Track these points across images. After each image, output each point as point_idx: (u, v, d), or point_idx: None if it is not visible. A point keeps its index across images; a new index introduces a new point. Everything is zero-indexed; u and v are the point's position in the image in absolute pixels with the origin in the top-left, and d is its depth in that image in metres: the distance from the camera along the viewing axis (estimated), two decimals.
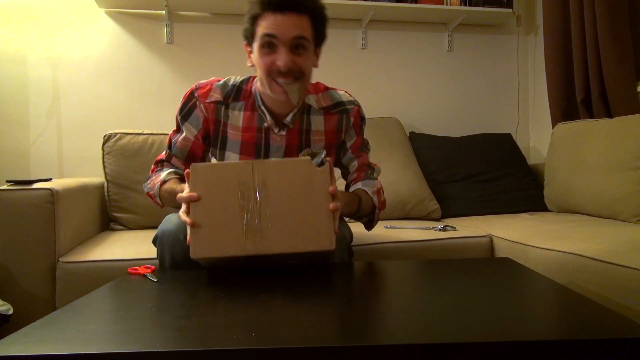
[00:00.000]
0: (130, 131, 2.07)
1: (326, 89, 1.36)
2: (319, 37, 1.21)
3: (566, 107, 2.34)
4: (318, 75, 2.56)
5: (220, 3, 2.30)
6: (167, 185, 1.26)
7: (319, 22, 1.19)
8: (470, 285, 0.95)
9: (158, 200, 1.31)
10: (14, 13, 2.22)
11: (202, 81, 1.31)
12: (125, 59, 2.32)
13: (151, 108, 2.34)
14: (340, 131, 1.34)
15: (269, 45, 1.14)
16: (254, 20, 1.16)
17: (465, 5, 2.49)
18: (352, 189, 1.36)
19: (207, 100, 1.27)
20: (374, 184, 1.36)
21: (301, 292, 0.89)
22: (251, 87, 1.29)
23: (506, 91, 2.74)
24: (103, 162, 2.01)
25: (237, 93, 1.28)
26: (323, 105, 1.32)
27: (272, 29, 1.12)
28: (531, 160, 2.70)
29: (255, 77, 1.29)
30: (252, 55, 1.22)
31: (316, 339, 0.66)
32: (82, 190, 1.76)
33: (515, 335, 0.67)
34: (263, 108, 1.26)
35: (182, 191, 1.05)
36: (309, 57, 1.19)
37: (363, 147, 1.42)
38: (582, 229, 1.60)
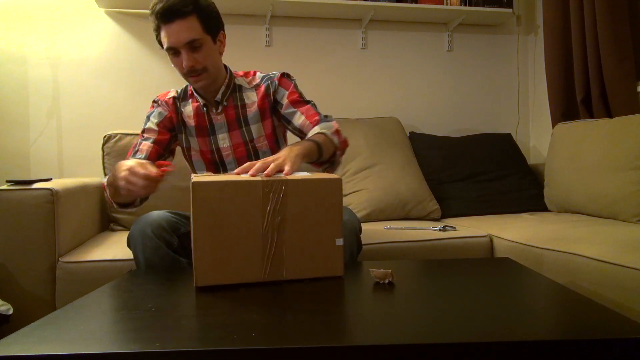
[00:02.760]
0: (131, 132, 2.06)
1: (255, 73, 1.52)
2: (213, 28, 1.35)
3: (566, 107, 2.34)
4: (319, 76, 2.57)
5: (220, 3, 2.28)
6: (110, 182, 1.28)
7: (208, 17, 1.32)
8: (470, 285, 0.95)
9: (106, 191, 1.32)
10: (14, 13, 2.22)
11: None
12: (125, 59, 2.32)
13: None
14: (269, 95, 1.46)
15: (173, 52, 1.31)
16: (157, 32, 1.32)
17: (465, 5, 2.49)
18: (309, 135, 1.34)
19: (166, 98, 1.49)
20: (331, 125, 1.36)
21: (301, 292, 0.89)
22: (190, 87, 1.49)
23: (506, 91, 2.74)
24: (103, 163, 2.01)
25: (185, 93, 1.50)
26: (253, 84, 1.49)
27: (168, 42, 1.29)
28: (531, 160, 2.70)
29: None
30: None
31: (316, 339, 0.66)
32: (82, 190, 1.76)
33: (515, 335, 0.67)
34: (197, 95, 1.46)
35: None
36: (208, 50, 1.34)
37: (304, 100, 1.46)
38: (582, 229, 1.60)
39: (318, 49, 2.53)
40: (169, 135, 1.47)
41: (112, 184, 1.21)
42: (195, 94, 1.47)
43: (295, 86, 1.47)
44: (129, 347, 0.64)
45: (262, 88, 1.46)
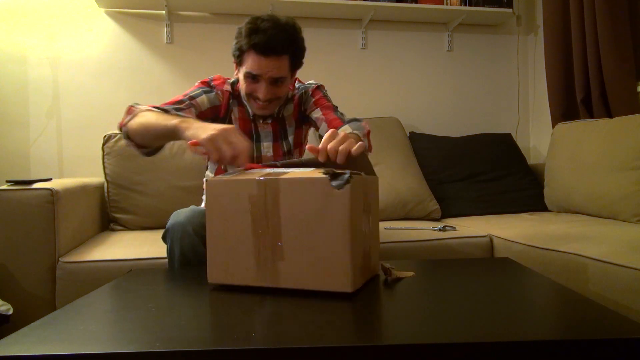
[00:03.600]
0: None
1: (295, 81, 1.52)
2: (296, 67, 1.37)
3: (566, 107, 2.34)
4: (318, 75, 2.57)
5: (220, 3, 2.31)
6: (156, 115, 1.19)
7: (297, 58, 1.35)
8: (470, 285, 0.95)
9: (128, 120, 1.21)
10: (14, 13, 2.22)
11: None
12: (125, 59, 2.32)
13: None
14: (301, 105, 1.49)
15: (252, 77, 1.30)
16: (241, 52, 1.30)
17: (465, 5, 2.49)
18: (340, 130, 1.31)
19: (223, 88, 1.43)
20: (362, 127, 1.33)
21: (301, 292, 0.89)
22: (239, 88, 1.43)
23: (506, 91, 2.74)
24: (103, 163, 2.01)
25: (233, 90, 1.45)
26: (291, 95, 1.49)
27: (255, 69, 1.28)
28: (531, 160, 2.70)
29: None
30: (239, 73, 1.36)
31: (316, 339, 0.66)
32: (82, 190, 1.76)
33: (515, 335, 0.67)
34: (247, 104, 1.42)
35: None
36: (287, 83, 1.36)
37: (335, 111, 1.44)
38: (582, 229, 1.60)
39: (318, 49, 2.53)
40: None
41: (158, 124, 1.13)
42: (244, 101, 1.43)
43: (325, 95, 1.49)
44: (129, 347, 0.64)
45: (296, 98, 1.48)
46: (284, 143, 1.48)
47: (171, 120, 1.10)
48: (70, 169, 2.26)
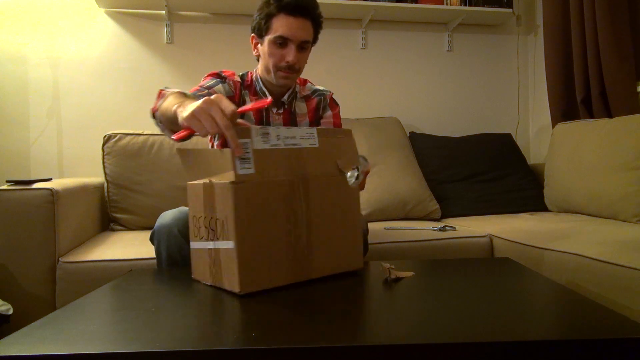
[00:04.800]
0: (131, 132, 2.07)
1: (305, 82, 1.57)
2: (315, 40, 1.43)
3: (566, 107, 2.34)
4: (319, 75, 2.57)
5: (220, 3, 2.31)
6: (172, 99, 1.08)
7: (318, 27, 1.40)
8: (470, 285, 0.95)
9: (159, 104, 1.13)
10: (14, 13, 2.22)
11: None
12: (125, 59, 2.32)
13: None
14: (319, 109, 1.54)
15: (282, 43, 1.33)
16: (269, 17, 1.33)
17: (465, 5, 2.49)
18: None
19: (234, 78, 1.45)
20: (367, 165, 1.35)
21: (301, 293, 0.89)
22: (251, 77, 1.48)
23: (506, 91, 2.74)
24: (103, 163, 2.01)
25: (243, 81, 1.48)
26: (303, 94, 1.54)
27: (287, 32, 1.31)
28: (531, 160, 2.70)
29: (251, 72, 1.49)
30: (259, 47, 1.40)
31: (316, 339, 0.66)
32: (82, 190, 1.76)
33: (515, 335, 0.67)
34: (264, 89, 1.45)
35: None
36: (308, 55, 1.42)
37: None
38: (582, 229, 1.60)
39: (318, 49, 2.50)
40: None
41: (167, 109, 1.03)
42: (260, 87, 1.46)
43: (339, 111, 1.57)
44: (129, 347, 0.64)
45: (314, 102, 1.53)
46: None
47: (174, 106, 1.01)
48: (70, 169, 2.26)
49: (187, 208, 1.23)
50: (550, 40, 2.37)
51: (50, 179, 1.62)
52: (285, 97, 1.47)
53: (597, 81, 2.12)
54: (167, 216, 1.24)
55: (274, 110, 1.47)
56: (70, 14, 2.27)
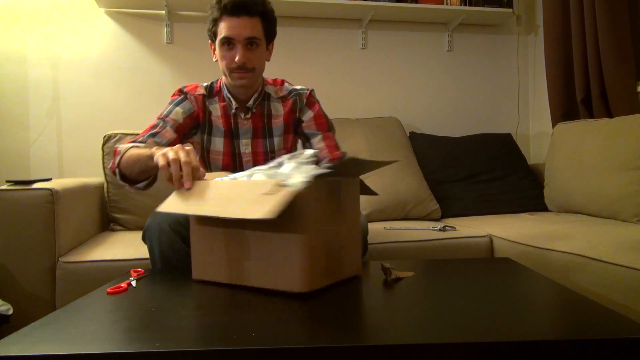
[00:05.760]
0: (131, 131, 2.06)
1: (283, 82, 1.54)
2: (270, 35, 1.42)
3: (566, 107, 2.34)
4: (319, 75, 2.57)
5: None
6: (136, 150, 1.23)
7: (269, 22, 1.39)
8: (470, 285, 0.95)
9: (118, 161, 1.26)
10: (14, 13, 2.22)
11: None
12: (125, 59, 2.32)
13: (151, 108, 2.33)
14: (295, 111, 1.50)
15: (228, 43, 1.35)
16: (215, 22, 1.36)
17: (465, 5, 2.49)
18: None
19: (195, 93, 1.46)
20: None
21: (301, 293, 0.89)
22: (220, 83, 1.49)
23: (506, 91, 2.74)
24: (103, 163, 2.01)
25: (210, 91, 1.48)
26: (280, 95, 1.51)
27: (229, 32, 1.33)
28: (531, 160, 2.70)
29: (221, 79, 1.49)
30: (215, 52, 1.42)
31: (316, 339, 0.66)
32: (82, 190, 1.76)
33: (515, 335, 0.67)
34: (229, 95, 1.45)
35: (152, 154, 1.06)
36: (261, 52, 1.39)
37: (329, 127, 1.52)
38: (582, 229, 1.60)
39: (318, 49, 2.53)
40: (189, 132, 1.45)
41: (138, 158, 1.18)
42: (226, 94, 1.46)
43: (321, 108, 1.52)
44: (129, 347, 0.64)
45: (290, 102, 1.50)
46: (267, 142, 1.48)
47: (148, 153, 1.14)
48: (70, 169, 2.26)
49: None
50: (550, 40, 2.37)
51: (50, 179, 1.62)
52: (251, 101, 1.44)
53: (597, 81, 2.12)
54: (156, 213, 1.24)
55: (242, 115, 1.46)
56: (70, 14, 2.27)
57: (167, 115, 1.40)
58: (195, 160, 1.00)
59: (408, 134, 2.43)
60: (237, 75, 1.36)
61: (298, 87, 1.53)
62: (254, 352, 0.63)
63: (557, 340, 0.66)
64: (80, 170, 2.26)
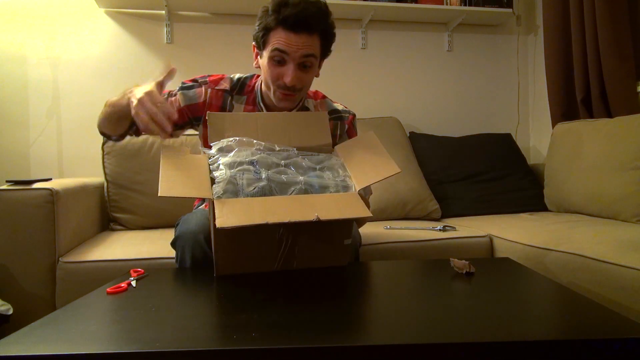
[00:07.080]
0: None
1: (324, 97, 1.43)
2: (325, 53, 1.29)
3: (566, 107, 2.34)
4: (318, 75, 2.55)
5: (220, 3, 2.30)
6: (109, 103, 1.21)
7: (328, 41, 1.26)
8: (470, 285, 0.95)
9: (102, 116, 1.24)
10: (14, 13, 2.21)
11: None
12: (125, 59, 2.32)
13: None
14: (335, 136, 1.36)
15: (280, 59, 1.19)
16: (267, 30, 1.20)
17: (465, 5, 2.49)
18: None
19: (216, 87, 1.32)
20: (369, 189, 1.34)
21: (301, 293, 0.89)
22: (254, 84, 1.35)
23: (506, 91, 2.74)
24: (103, 163, 2.01)
25: (241, 87, 1.34)
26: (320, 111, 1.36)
27: (284, 46, 1.17)
28: (531, 160, 2.70)
29: (259, 75, 1.34)
30: (259, 59, 1.27)
31: (316, 339, 0.66)
32: (82, 190, 1.76)
33: (515, 335, 0.67)
34: (262, 105, 1.32)
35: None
36: (313, 72, 1.26)
37: None
38: (582, 229, 1.60)
39: None
40: (182, 124, 1.34)
41: (116, 104, 1.16)
42: (259, 100, 1.33)
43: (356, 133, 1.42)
44: (129, 347, 0.64)
45: (330, 125, 1.31)
46: None
47: (124, 99, 1.12)
48: (70, 169, 2.26)
49: (207, 210, 1.23)
50: (550, 40, 2.37)
51: (50, 179, 1.62)
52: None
53: (597, 81, 2.12)
54: (191, 221, 1.17)
55: None
56: (70, 14, 2.27)
57: (171, 95, 1.33)
58: (163, 100, 1.00)
59: (408, 134, 2.43)
60: (282, 95, 1.23)
61: (340, 107, 1.42)
62: (254, 352, 0.63)
63: (557, 340, 0.66)
64: (80, 170, 2.25)
